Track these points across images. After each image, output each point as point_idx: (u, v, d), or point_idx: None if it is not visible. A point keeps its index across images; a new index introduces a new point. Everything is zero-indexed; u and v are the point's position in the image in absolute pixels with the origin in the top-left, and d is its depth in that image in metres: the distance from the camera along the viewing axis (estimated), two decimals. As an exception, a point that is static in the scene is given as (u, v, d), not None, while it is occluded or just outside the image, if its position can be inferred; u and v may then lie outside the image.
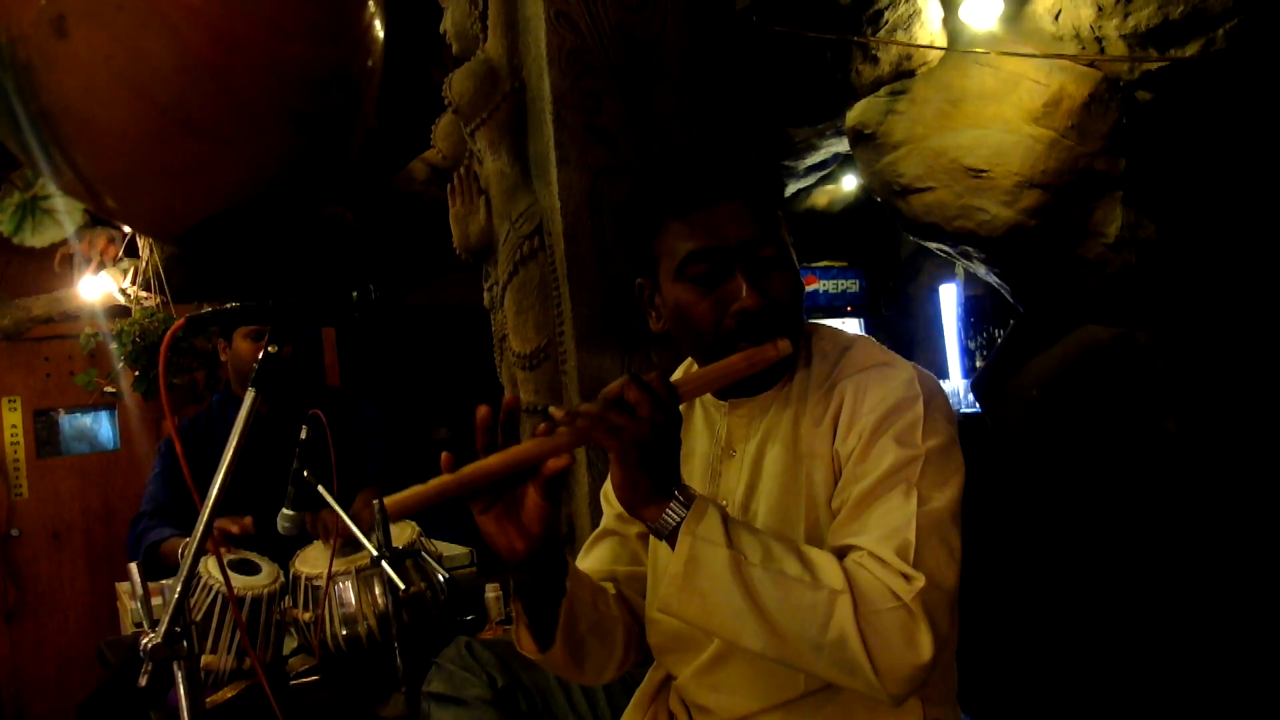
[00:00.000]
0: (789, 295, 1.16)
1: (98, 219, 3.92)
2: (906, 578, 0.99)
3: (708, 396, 1.27)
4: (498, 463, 1.01)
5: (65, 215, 3.72)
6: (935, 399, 1.11)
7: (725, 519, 1.02)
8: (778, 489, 1.17)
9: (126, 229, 3.76)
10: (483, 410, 1.02)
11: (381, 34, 1.31)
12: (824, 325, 1.27)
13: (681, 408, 1.29)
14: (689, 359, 1.31)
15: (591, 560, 1.33)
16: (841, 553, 1.04)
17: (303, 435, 1.88)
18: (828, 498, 1.13)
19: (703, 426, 1.29)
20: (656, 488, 1.01)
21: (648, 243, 1.20)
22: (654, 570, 1.28)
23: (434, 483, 1.00)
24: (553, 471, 1.03)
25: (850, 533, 1.06)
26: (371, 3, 2.03)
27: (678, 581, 1.01)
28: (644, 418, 0.98)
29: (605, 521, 1.37)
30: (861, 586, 0.98)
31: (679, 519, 1.01)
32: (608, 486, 1.37)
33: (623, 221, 1.91)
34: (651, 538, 1.28)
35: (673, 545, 1.01)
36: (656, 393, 1.00)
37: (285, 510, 1.90)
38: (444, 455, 1.01)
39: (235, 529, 2.11)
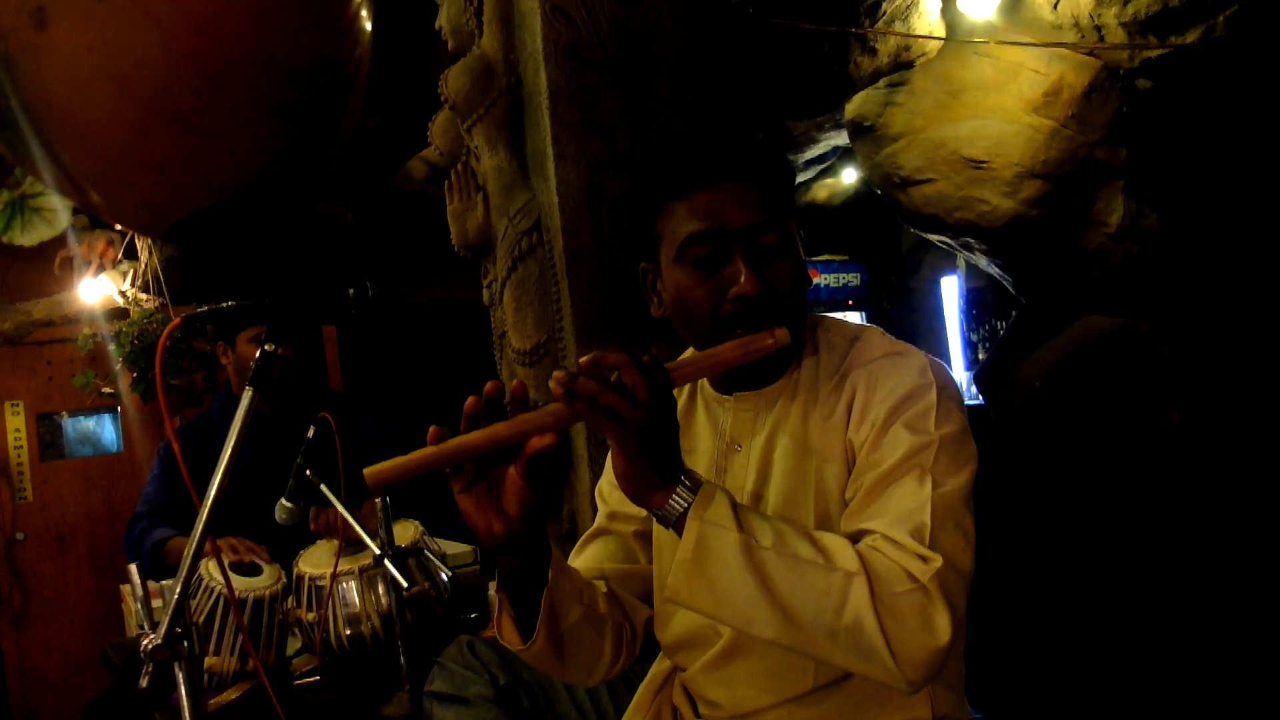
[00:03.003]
0: (790, 285, 1.13)
1: (96, 221, 3.92)
2: (923, 559, 0.97)
3: (710, 391, 1.26)
4: (481, 438, 0.98)
5: (55, 214, 3.71)
6: (948, 388, 1.11)
7: (734, 503, 0.99)
8: (786, 485, 1.15)
9: (119, 228, 3.76)
10: (470, 400, 1.00)
11: (369, 24, 1.30)
12: (829, 317, 1.25)
13: (683, 403, 1.28)
14: (690, 349, 1.30)
15: (583, 560, 1.31)
16: (855, 538, 1.02)
17: (310, 434, 1.88)
18: (840, 490, 1.11)
19: (705, 422, 1.27)
20: (660, 474, 0.98)
21: (650, 224, 1.18)
22: (660, 566, 1.27)
23: (416, 454, 0.97)
24: (535, 451, 1.00)
25: (863, 518, 1.04)
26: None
27: (686, 568, 0.98)
28: (642, 402, 0.95)
29: (598, 521, 1.34)
30: (877, 568, 0.96)
31: (685, 504, 0.98)
32: (601, 484, 1.36)
33: (632, 205, 1.91)
34: (655, 531, 1.27)
35: (680, 532, 0.99)
36: (653, 376, 0.97)
37: (283, 501, 1.90)
38: (431, 429, 0.99)
39: (245, 556, 2.10)
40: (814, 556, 0.97)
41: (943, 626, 0.95)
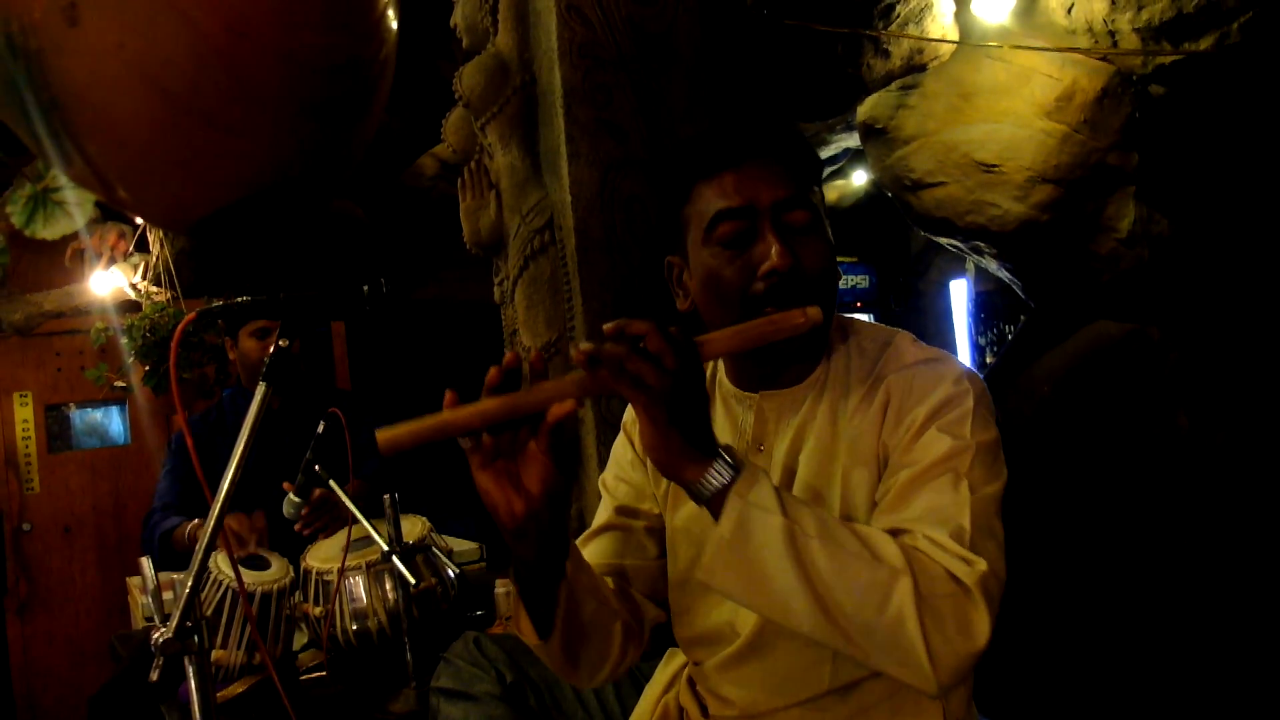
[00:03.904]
0: (821, 266, 1.12)
1: (109, 213, 3.93)
2: (967, 561, 0.96)
3: (730, 388, 1.24)
4: (498, 405, 0.92)
5: (76, 207, 3.72)
6: (984, 397, 1.10)
7: (776, 487, 0.96)
8: (812, 487, 1.14)
9: (138, 221, 3.77)
10: (492, 371, 0.95)
11: (395, 24, 1.30)
12: (858, 319, 1.25)
13: None
14: None
15: (590, 555, 1.27)
16: (893, 534, 1.00)
17: (320, 429, 1.88)
18: (867, 495, 1.10)
19: (725, 422, 1.24)
20: (693, 445, 0.95)
21: (677, 211, 1.17)
22: (678, 559, 1.25)
23: (430, 419, 0.91)
24: (557, 418, 0.94)
25: (897, 517, 1.02)
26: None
27: (724, 550, 0.94)
28: (668, 369, 0.91)
29: (603, 516, 1.31)
30: (923, 567, 0.94)
31: (724, 482, 0.95)
32: (605, 477, 1.33)
33: (646, 203, 1.89)
34: (671, 526, 1.26)
35: (715, 511, 0.95)
36: (680, 345, 0.93)
37: (291, 496, 1.90)
38: (448, 393, 0.93)
39: (250, 538, 2.08)
40: (859, 550, 0.94)
41: (982, 631, 0.93)
